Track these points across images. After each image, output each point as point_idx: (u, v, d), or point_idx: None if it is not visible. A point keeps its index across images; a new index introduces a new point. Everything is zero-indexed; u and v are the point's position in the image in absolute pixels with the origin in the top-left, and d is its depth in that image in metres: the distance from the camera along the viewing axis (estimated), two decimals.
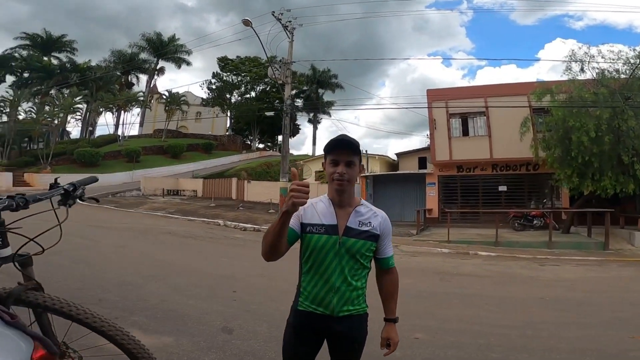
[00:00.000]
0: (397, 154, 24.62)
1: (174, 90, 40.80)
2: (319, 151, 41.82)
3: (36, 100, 34.12)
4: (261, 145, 50.76)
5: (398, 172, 20.72)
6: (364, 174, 18.14)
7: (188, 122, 45.16)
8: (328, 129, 73.12)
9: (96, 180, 1.89)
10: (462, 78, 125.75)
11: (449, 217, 13.00)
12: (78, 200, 1.62)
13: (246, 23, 13.38)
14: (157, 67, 43.87)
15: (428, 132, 17.93)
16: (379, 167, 22.81)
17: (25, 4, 74.79)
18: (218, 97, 43.32)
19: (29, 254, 1.45)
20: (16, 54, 39.52)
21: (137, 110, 41.76)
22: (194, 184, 25.50)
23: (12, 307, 1.34)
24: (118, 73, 40.83)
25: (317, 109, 40.99)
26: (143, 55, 42.11)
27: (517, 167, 15.57)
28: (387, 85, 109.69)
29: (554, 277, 6.78)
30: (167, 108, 40.27)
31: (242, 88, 43.33)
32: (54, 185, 1.57)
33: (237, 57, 42.24)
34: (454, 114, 15.96)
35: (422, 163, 21.45)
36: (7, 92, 35.23)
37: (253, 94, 43.70)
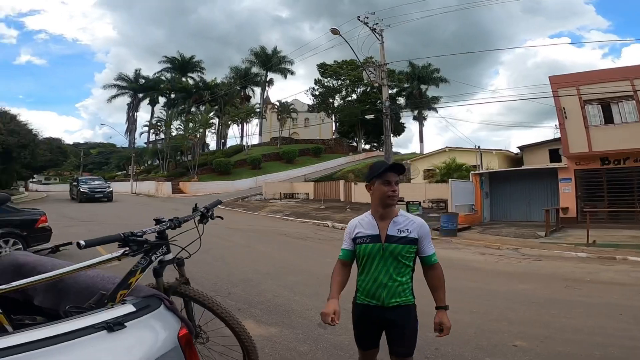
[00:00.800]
0: (521, 147, 21.77)
1: (283, 100, 44.39)
2: (427, 148, 39.89)
3: (182, 118, 40.98)
4: (367, 146, 51.09)
5: (522, 167, 18.34)
6: (476, 172, 16.70)
7: (298, 128, 48.65)
8: (436, 125, 69.03)
9: (220, 202, 2.56)
10: (602, 58, 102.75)
11: (589, 217, 10.90)
12: (210, 219, 2.26)
13: (334, 32, 13.67)
14: (267, 79, 48.01)
15: (557, 123, 15.38)
16: (497, 163, 20.59)
17: (160, 28, 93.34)
18: (322, 102, 45.33)
19: (183, 257, 2.07)
20: (162, 77, 48.33)
21: (255, 121, 47.00)
22: (306, 187, 27.46)
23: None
24: (238, 88, 46.01)
25: (421, 105, 39.20)
26: (254, 69, 46.54)
27: None
28: (502, 74, 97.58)
29: None
30: (279, 117, 44.18)
31: (343, 92, 44.39)
32: (195, 209, 2.22)
33: (335, 61, 43.49)
34: (590, 100, 13.31)
35: (555, 156, 18.44)
36: (161, 112, 43.86)
37: (354, 96, 44.35)
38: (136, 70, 48.65)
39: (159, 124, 41.94)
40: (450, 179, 15.65)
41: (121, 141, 60.35)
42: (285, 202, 23.63)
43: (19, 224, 6.63)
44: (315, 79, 45.27)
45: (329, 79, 43.97)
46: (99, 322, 1.14)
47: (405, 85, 41.80)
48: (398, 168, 1.86)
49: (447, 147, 23.73)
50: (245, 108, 43.95)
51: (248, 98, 48.95)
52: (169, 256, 1.95)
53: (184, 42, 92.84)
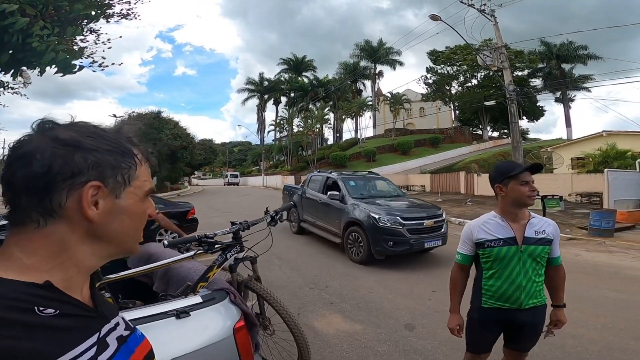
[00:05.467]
0: None
1: (394, 91, 43.29)
2: (578, 133, 33.65)
3: (301, 115, 43.98)
4: (495, 134, 45.73)
5: None
6: None
7: (413, 118, 46.77)
8: (591, 106, 55.31)
9: (293, 206, 2.76)
10: None
11: None
12: (279, 222, 2.46)
13: (434, 18, 12.58)
14: (376, 72, 47.40)
15: None
16: None
17: (272, 32, 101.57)
18: (437, 90, 42.74)
19: (256, 256, 2.32)
20: (282, 78, 52.02)
21: (368, 114, 47.07)
22: (422, 179, 26.27)
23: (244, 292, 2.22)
24: (348, 82, 46.77)
25: (564, 86, 33.33)
26: (362, 63, 46.46)
27: None
28: None
29: None
30: (392, 108, 43.23)
31: (461, 77, 40.94)
32: (266, 212, 2.42)
33: (447, 47, 40.15)
34: None
35: None
36: (283, 111, 48.05)
37: (474, 81, 40.37)
38: (260, 74, 54.17)
39: (282, 122, 46.28)
40: (606, 169, 12.80)
41: (255, 139, 68.92)
42: None
43: (175, 215, 7.47)
44: (427, 67, 42.88)
45: (442, 65, 41.07)
46: (171, 309, 1.36)
47: (540, 65, 36.48)
48: (537, 168, 1.83)
49: (604, 131, 19.18)
50: (357, 102, 44.59)
51: (359, 92, 49.47)
52: (241, 255, 2.21)
53: (295, 43, 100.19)
